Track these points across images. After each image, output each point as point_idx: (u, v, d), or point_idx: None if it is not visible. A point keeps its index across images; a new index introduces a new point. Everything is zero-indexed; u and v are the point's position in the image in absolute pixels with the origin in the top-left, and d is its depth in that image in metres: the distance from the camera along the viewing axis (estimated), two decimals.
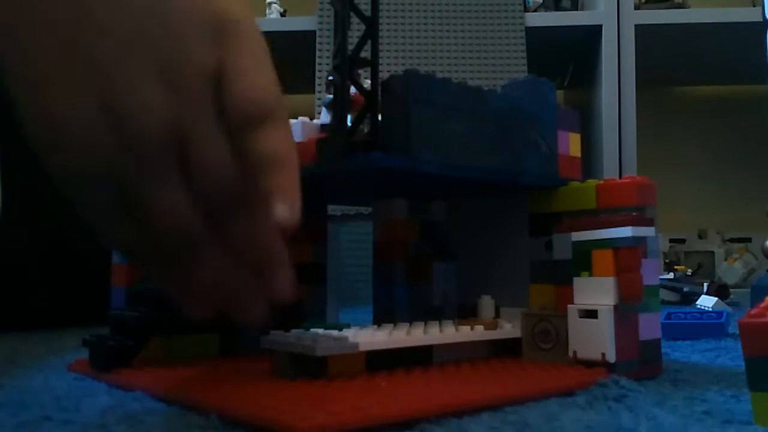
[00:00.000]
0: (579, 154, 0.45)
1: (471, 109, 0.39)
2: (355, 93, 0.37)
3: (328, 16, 1.26)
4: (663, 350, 0.41)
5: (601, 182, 0.41)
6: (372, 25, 0.38)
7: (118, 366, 0.38)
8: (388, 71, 0.38)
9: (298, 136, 0.47)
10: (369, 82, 0.38)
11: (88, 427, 0.27)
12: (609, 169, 1.19)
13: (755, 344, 0.28)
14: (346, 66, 0.36)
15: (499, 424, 0.27)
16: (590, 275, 0.38)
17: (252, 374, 0.36)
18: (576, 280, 0.39)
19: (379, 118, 0.37)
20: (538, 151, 0.42)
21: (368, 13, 0.38)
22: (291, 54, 1.37)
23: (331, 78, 0.43)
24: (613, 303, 0.37)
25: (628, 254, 0.37)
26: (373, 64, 0.38)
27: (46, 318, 0.67)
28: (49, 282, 0.69)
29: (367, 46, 0.38)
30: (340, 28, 0.36)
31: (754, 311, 0.29)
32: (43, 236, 0.70)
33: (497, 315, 0.45)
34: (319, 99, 1.20)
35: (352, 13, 0.37)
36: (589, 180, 0.42)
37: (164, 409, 0.30)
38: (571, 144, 0.44)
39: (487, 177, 0.40)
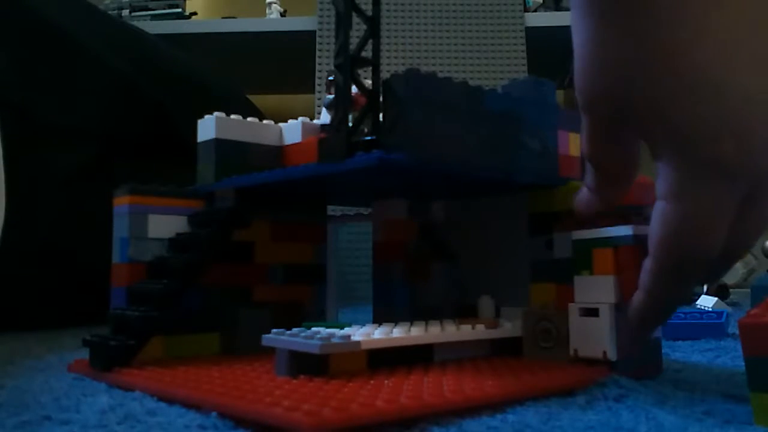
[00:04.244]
0: (579, 154, 0.45)
1: (472, 108, 0.39)
2: (356, 93, 0.37)
3: (328, 16, 1.26)
4: (663, 350, 0.41)
5: None
6: (374, 24, 0.38)
7: (119, 366, 0.38)
8: (387, 71, 0.38)
9: (298, 136, 0.47)
10: (369, 81, 0.38)
11: (88, 427, 0.27)
12: None
13: (755, 344, 0.28)
14: (347, 65, 0.36)
15: (499, 423, 0.27)
16: (591, 274, 0.38)
17: (253, 373, 0.36)
18: (577, 279, 0.39)
19: (380, 117, 0.37)
20: (539, 151, 0.42)
21: (369, 13, 0.38)
22: (291, 54, 1.37)
23: (331, 78, 0.43)
24: (613, 301, 0.37)
25: (628, 253, 0.37)
26: (375, 63, 0.38)
27: (46, 318, 0.67)
28: (49, 282, 0.69)
29: (368, 46, 0.38)
30: (342, 27, 0.36)
31: (754, 311, 0.29)
32: (43, 237, 0.70)
33: (497, 314, 0.45)
34: (319, 99, 1.20)
35: (353, 13, 0.37)
36: None
37: (164, 409, 0.30)
38: (571, 144, 0.44)
39: (489, 176, 0.40)
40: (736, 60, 0.28)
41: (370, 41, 0.38)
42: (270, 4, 1.42)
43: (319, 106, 1.19)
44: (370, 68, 0.38)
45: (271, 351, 0.35)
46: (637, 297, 0.35)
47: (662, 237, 0.31)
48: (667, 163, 0.30)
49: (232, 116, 0.47)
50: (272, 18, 1.40)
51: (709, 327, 0.58)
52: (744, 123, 0.28)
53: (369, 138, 0.36)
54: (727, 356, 0.47)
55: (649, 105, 0.29)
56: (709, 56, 0.28)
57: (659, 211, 0.31)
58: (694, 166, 0.29)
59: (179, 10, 1.40)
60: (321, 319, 0.51)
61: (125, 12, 1.38)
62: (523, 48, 1.22)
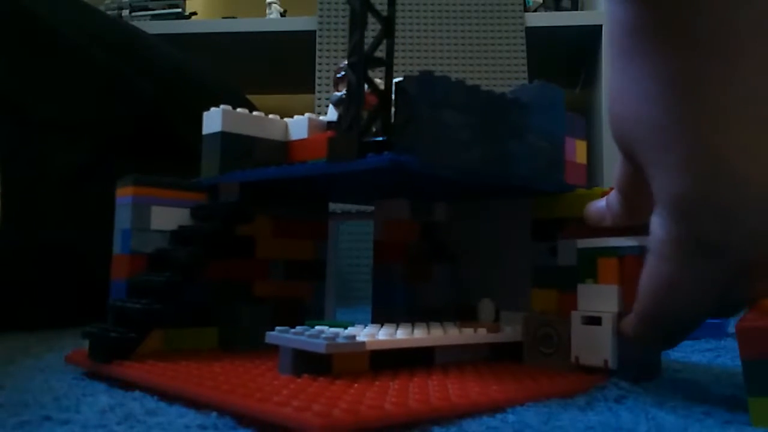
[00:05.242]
0: (585, 161, 0.45)
1: (483, 112, 0.39)
2: (365, 91, 0.37)
3: (328, 16, 1.26)
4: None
5: (607, 190, 0.41)
6: (388, 24, 0.38)
7: (119, 358, 0.38)
8: None
9: (304, 132, 0.47)
10: (379, 80, 0.38)
11: (88, 427, 0.27)
12: (610, 175, 1.19)
13: (753, 348, 0.28)
14: (361, 65, 0.36)
15: (499, 423, 0.27)
16: (595, 282, 0.38)
17: (256, 370, 0.36)
18: (580, 287, 0.39)
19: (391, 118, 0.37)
20: (546, 157, 0.42)
21: (384, 13, 0.38)
22: (291, 54, 1.37)
23: (339, 75, 0.43)
24: (617, 311, 0.37)
25: (632, 263, 0.37)
26: (388, 64, 0.37)
27: (46, 318, 0.67)
28: (49, 282, 0.69)
29: (381, 46, 0.38)
30: (357, 27, 0.36)
31: (749, 315, 0.29)
32: (43, 236, 0.70)
33: (497, 318, 0.45)
34: (319, 99, 1.20)
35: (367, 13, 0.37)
36: (596, 187, 0.42)
37: (164, 408, 0.30)
38: (578, 150, 0.44)
39: (497, 181, 0.40)
40: (738, 142, 0.27)
41: (384, 41, 0.38)
42: (270, 4, 1.42)
43: (319, 107, 1.19)
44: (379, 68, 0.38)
45: (269, 347, 0.35)
46: (627, 326, 0.35)
47: (644, 289, 0.32)
48: (658, 221, 0.30)
49: (239, 110, 0.47)
50: (272, 18, 1.40)
51: (709, 327, 0.58)
52: (733, 207, 0.27)
53: (380, 138, 0.36)
54: (727, 356, 0.47)
55: (647, 167, 0.30)
56: (709, 135, 0.27)
57: (647, 263, 0.31)
58: (679, 236, 0.29)
59: (179, 10, 1.40)
60: (320, 316, 0.51)
61: (125, 12, 1.38)
62: (523, 48, 1.22)
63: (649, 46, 0.28)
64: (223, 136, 0.45)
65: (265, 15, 1.42)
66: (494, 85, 1.17)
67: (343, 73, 0.40)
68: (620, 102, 0.30)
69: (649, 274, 0.31)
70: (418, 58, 1.22)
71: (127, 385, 0.35)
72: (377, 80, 0.37)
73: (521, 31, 1.23)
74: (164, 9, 1.39)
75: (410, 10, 1.24)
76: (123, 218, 0.44)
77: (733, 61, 0.27)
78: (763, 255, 0.29)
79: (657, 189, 0.29)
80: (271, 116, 0.48)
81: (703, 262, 0.29)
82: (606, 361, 0.36)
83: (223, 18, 1.41)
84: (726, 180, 0.27)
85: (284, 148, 0.48)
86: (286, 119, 0.49)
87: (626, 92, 0.29)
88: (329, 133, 0.43)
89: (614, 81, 0.30)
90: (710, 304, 0.31)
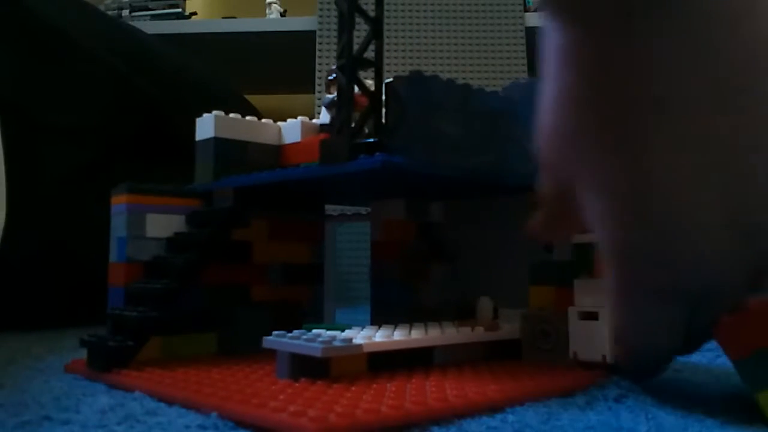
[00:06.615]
0: None
1: (474, 111, 0.39)
2: (356, 93, 0.37)
3: (328, 16, 1.26)
4: None
5: None
6: (377, 25, 0.38)
7: (118, 367, 0.38)
8: (387, 71, 0.38)
9: (297, 136, 0.47)
10: (370, 81, 0.38)
11: (88, 427, 0.27)
12: None
13: (739, 345, 0.28)
14: (351, 67, 0.36)
15: (499, 423, 0.27)
16: (591, 277, 0.38)
17: (254, 375, 0.36)
18: (576, 282, 0.39)
19: (383, 119, 0.37)
20: None
21: (372, 14, 0.38)
22: (291, 54, 1.37)
23: (331, 78, 0.43)
24: None
25: None
26: (378, 65, 0.38)
27: (46, 318, 0.67)
28: (49, 282, 0.69)
29: (370, 47, 0.38)
30: (345, 28, 0.36)
31: (726, 318, 0.29)
32: (44, 237, 0.70)
33: (495, 316, 0.45)
34: (319, 99, 1.20)
35: (356, 14, 0.37)
36: None
37: (164, 409, 0.30)
38: None
39: (491, 180, 0.40)
40: (674, 179, 0.26)
41: (374, 42, 0.38)
42: (270, 4, 1.42)
43: (319, 106, 1.19)
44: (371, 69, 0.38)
45: (268, 351, 0.35)
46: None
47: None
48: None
49: (231, 115, 0.47)
50: (272, 18, 1.40)
51: None
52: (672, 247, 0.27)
53: (371, 140, 0.36)
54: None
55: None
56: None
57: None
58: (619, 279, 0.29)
59: (179, 10, 1.39)
60: (318, 319, 0.51)
61: (125, 12, 1.38)
62: (523, 48, 1.22)
63: (561, 62, 0.27)
64: (216, 142, 0.45)
65: (265, 15, 1.42)
66: (494, 85, 1.17)
67: (334, 75, 0.40)
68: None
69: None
70: (418, 58, 1.22)
71: (128, 385, 0.35)
72: (369, 81, 0.37)
73: (521, 31, 1.23)
74: (164, 9, 1.39)
75: (410, 11, 1.24)
76: (118, 226, 0.44)
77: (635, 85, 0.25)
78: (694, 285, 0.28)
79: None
80: (264, 120, 0.48)
81: (650, 307, 0.29)
82: (604, 356, 0.36)
83: (223, 18, 1.41)
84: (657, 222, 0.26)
85: (278, 151, 0.48)
86: (279, 123, 0.49)
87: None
88: (322, 136, 0.43)
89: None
90: (666, 338, 0.30)
